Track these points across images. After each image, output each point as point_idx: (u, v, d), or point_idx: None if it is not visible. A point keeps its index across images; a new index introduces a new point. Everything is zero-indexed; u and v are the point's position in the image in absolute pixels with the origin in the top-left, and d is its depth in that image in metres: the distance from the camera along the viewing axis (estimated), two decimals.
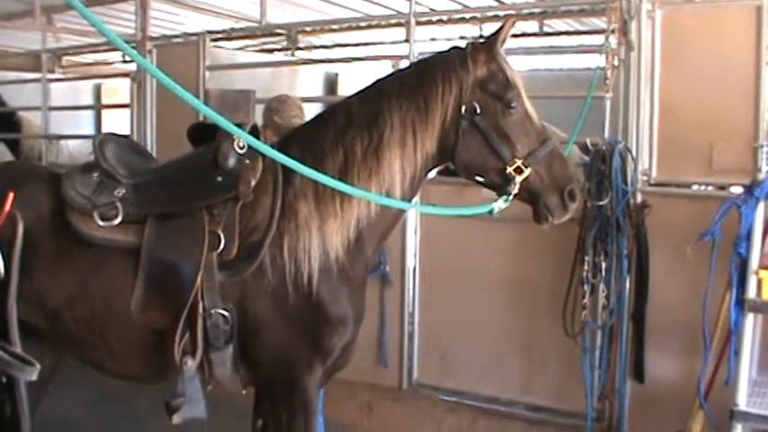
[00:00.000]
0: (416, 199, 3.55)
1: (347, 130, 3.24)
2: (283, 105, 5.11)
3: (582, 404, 5.08)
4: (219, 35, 8.91)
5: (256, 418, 3.54)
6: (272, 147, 2.97)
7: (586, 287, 4.94)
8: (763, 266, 3.96)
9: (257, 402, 3.56)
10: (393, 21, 8.94)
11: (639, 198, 5.01)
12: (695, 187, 5.11)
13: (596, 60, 5.10)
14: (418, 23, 6.47)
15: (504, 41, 3.27)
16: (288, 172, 3.19)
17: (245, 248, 3.15)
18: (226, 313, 3.14)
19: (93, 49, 10.38)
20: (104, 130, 10.92)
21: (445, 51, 3.37)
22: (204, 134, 3.42)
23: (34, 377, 2.39)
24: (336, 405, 5.44)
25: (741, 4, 4.84)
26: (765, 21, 4.72)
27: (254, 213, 3.19)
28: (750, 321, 3.98)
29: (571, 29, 9.95)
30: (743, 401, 3.92)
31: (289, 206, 3.19)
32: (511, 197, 3.24)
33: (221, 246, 3.13)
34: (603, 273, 4.90)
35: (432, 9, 8.61)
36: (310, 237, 3.16)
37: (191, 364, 3.08)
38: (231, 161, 3.21)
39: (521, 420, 5.56)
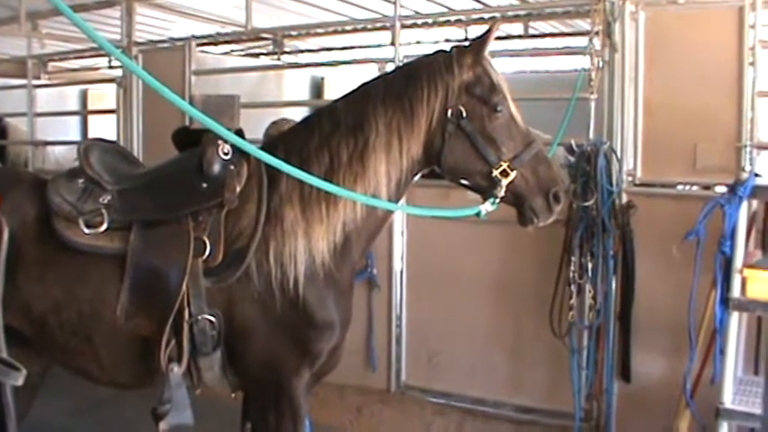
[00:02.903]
0: (402, 201, 3.55)
1: (333, 135, 3.24)
2: (282, 123, 5.14)
3: (569, 404, 5.10)
4: (205, 40, 8.95)
5: (245, 422, 3.55)
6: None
7: (573, 288, 4.96)
8: (747, 265, 3.99)
9: (246, 406, 3.57)
10: (378, 24, 8.94)
11: (625, 198, 5.04)
12: (680, 187, 5.13)
13: (581, 62, 5.13)
14: (403, 27, 6.50)
15: (489, 45, 3.28)
16: (273, 177, 3.20)
17: (231, 254, 3.15)
18: (212, 319, 3.14)
19: (79, 54, 10.38)
20: (91, 135, 10.89)
21: (430, 55, 3.37)
22: (189, 138, 3.42)
23: (20, 382, 2.39)
24: (325, 408, 5.45)
25: (724, 6, 4.88)
26: (747, 21, 4.76)
27: (239, 219, 3.19)
28: (735, 320, 4.01)
29: (556, 31, 9.98)
30: (728, 400, 3.95)
31: (274, 212, 3.19)
32: (498, 200, 3.26)
33: (207, 252, 3.13)
34: (590, 273, 4.92)
35: (417, 12, 8.62)
36: (296, 242, 3.16)
37: (177, 370, 3.08)
38: (216, 167, 3.20)
39: (509, 421, 5.57)
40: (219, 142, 3.20)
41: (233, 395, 3.48)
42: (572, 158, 5.00)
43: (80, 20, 2.16)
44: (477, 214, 3.28)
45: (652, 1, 5.10)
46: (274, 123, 5.34)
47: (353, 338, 4.86)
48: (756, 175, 4.27)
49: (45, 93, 9.84)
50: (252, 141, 3.03)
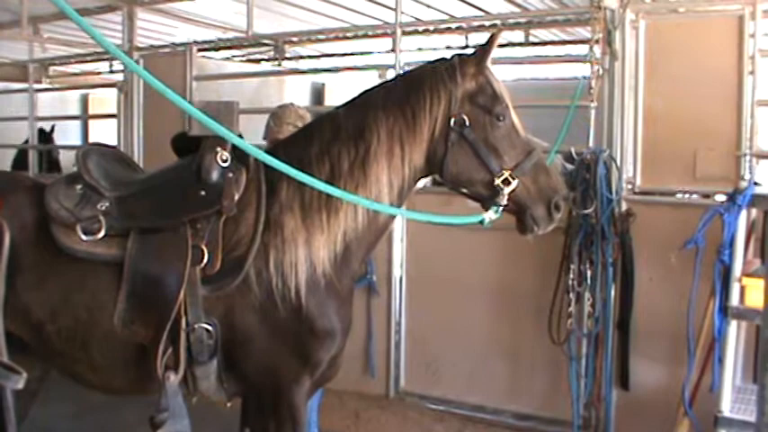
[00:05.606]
0: (404, 208, 3.55)
1: (334, 142, 3.22)
2: (281, 110, 5.01)
3: (568, 412, 5.11)
4: (207, 45, 8.96)
5: (244, 429, 3.54)
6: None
7: (572, 295, 4.98)
8: (746, 273, 4.00)
9: (245, 413, 3.56)
10: (379, 31, 9.01)
11: (624, 206, 5.05)
12: (679, 195, 5.15)
13: (581, 70, 5.15)
14: (404, 33, 6.52)
15: (491, 54, 3.28)
16: (273, 185, 3.19)
17: (229, 263, 3.13)
18: (209, 327, 3.13)
19: (81, 59, 10.41)
20: (92, 139, 10.92)
21: (432, 63, 3.36)
22: (188, 144, 3.41)
23: (20, 386, 2.39)
24: (324, 414, 5.43)
25: (723, 15, 4.90)
26: (747, 30, 4.77)
27: (237, 227, 3.17)
28: (733, 328, 4.02)
29: (556, 38, 10.03)
30: (727, 408, 3.95)
31: (274, 220, 3.17)
32: (501, 208, 3.25)
33: (204, 260, 3.10)
34: (589, 281, 4.93)
35: (418, 19, 8.65)
36: (297, 250, 3.14)
37: (173, 378, 3.05)
38: (214, 175, 3.19)
39: (507, 428, 5.58)
40: (218, 149, 3.18)
41: (228, 404, 3.46)
42: (570, 166, 5.02)
43: (83, 21, 2.17)
44: (481, 222, 3.28)
45: (652, 9, 5.12)
46: (282, 107, 5.12)
47: (352, 344, 4.85)
48: (755, 183, 4.28)
49: (46, 97, 9.88)
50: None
